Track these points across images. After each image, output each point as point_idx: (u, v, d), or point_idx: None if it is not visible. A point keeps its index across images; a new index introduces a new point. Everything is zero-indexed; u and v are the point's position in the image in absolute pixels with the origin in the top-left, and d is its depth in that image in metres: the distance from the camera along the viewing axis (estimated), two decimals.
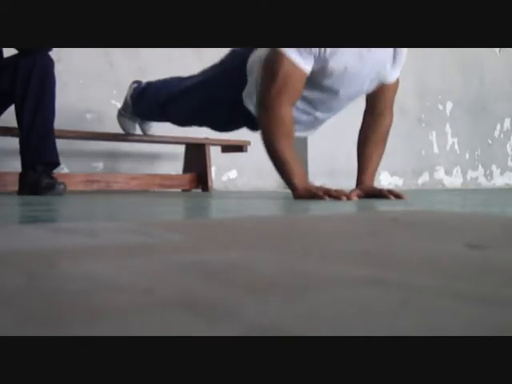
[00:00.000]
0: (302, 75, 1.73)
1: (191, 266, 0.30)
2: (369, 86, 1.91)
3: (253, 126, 2.11)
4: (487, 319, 0.20)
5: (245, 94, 1.97)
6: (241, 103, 2.00)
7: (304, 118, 1.95)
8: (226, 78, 2.01)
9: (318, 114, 1.98)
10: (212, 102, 2.08)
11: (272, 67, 1.73)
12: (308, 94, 1.84)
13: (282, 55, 1.70)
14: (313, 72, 1.75)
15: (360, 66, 1.80)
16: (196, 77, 2.18)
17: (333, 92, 1.84)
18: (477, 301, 0.22)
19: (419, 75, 4.36)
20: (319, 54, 1.72)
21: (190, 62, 3.15)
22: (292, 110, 1.76)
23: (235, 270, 0.29)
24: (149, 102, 2.34)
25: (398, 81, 2.00)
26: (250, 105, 1.97)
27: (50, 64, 2.00)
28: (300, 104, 1.86)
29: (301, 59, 1.70)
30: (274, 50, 1.73)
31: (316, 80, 1.78)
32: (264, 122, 1.75)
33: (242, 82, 1.96)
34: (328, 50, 1.71)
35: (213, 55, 3.23)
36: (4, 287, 0.25)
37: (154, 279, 0.26)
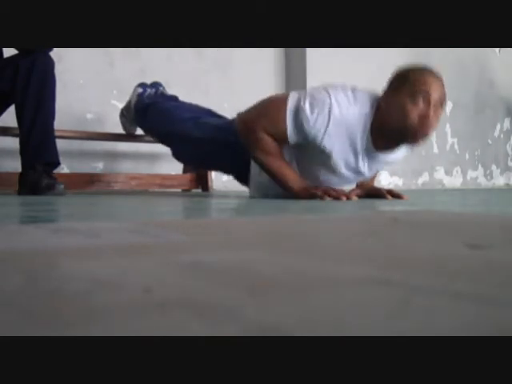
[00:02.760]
0: (284, 135, 1.71)
1: (191, 265, 0.30)
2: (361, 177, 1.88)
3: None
4: (487, 319, 0.20)
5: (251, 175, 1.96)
6: (241, 160, 1.98)
7: (335, 179, 1.87)
8: (228, 148, 1.96)
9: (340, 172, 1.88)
10: (210, 159, 2.05)
11: (267, 102, 1.74)
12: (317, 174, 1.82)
13: (284, 104, 1.69)
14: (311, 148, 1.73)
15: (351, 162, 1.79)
16: (199, 127, 2.04)
17: (327, 157, 1.78)
18: (477, 301, 0.22)
19: None
20: (314, 136, 1.70)
21: (190, 61, 3.15)
22: (270, 140, 1.73)
23: (235, 270, 0.29)
24: (150, 127, 2.28)
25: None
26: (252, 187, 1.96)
27: (50, 64, 2.00)
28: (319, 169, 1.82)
29: (292, 130, 1.69)
30: (281, 97, 1.75)
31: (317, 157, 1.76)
32: (245, 141, 1.76)
33: (247, 156, 1.93)
34: (325, 140, 1.69)
35: (213, 55, 3.24)
36: (4, 287, 0.25)
37: (153, 279, 0.26)
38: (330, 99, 1.66)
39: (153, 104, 2.27)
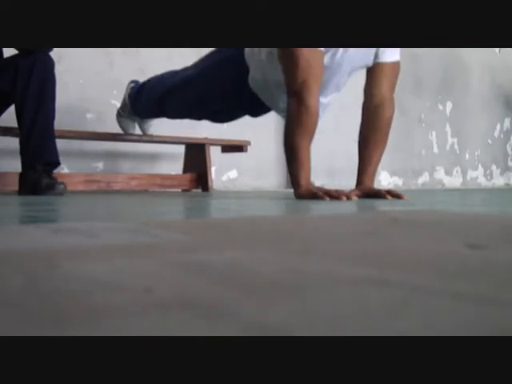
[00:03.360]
0: (320, 54, 1.74)
1: (191, 265, 0.30)
2: (365, 62, 1.90)
3: (254, 112, 2.10)
4: (487, 319, 0.20)
5: (250, 79, 1.96)
6: (242, 88, 1.98)
7: None
8: (223, 66, 1.99)
9: (322, 99, 1.95)
10: (211, 92, 2.06)
11: (291, 56, 1.74)
12: None
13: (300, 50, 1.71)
14: None
15: None
16: (191, 68, 2.15)
17: (337, 63, 1.82)
18: (477, 301, 0.22)
19: (419, 75, 4.36)
20: None
21: (190, 61, 3.15)
22: (318, 99, 1.76)
23: (235, 269, 0.29)
24: (145, 99, 2.33)
25: (397, 66, 1.96)
26: (257, 90, 1.96)
27: (50, 64, 2.00)
28: None
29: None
30: None
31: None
32: (294, 111, 1.75)
33: (241, 68, 1.95)
34: None
35: None
36: (4, 287, 0.25)
37: (154, 279, 0.26)
38: None
39: (143, 83, 2.37)
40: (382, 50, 1.89)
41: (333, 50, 1.78)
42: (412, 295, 0.23)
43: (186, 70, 2.17)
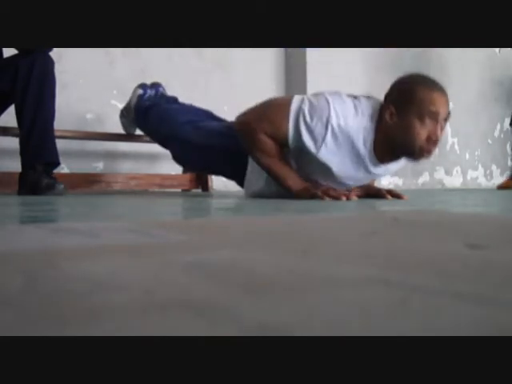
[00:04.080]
0: (284, 138, 1.70)
1: (191, 266, 0.30)
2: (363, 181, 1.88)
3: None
4: (487, 319, 0.20)
5: (246, 181, 1.95)
6: (238, 170, 1.98)
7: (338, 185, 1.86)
8: (228, 153, 1.96)
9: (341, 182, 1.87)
10: (210, 164, 2.04)
11: (269, 104, 1.74)
12: (308, 166, 1.81)
13: (287, 107, 1.69)
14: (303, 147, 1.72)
15: (349, 173, 1.79)
16: (200, 133, 2.02)
17: (327, 168, 1.77)
18: (477, 301, 0.22)
19: None
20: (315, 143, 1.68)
21: (190, 61, 3.15)
22: (270, 141, 1.73)
23: (235, 270, 0.29)
24: (150, 128, 2.27)
25: None
26: (249, 188, 1.95)
27: (50, 64, 2.00)
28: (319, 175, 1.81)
29: (293, 135, 1.68)
30: (284, 100, 1.75)
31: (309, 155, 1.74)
32: (246, 143, 1.75)
33: (244, 162, 1.93)
34: (323, 148, 1.68)
35: (213, 55, 3.24)
36: (4, 287, 0.25)
37: (154, 279, 0.26)
38: (329, 109, 1.65)
39: (152, 106, 2.27)
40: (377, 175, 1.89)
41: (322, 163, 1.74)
42: (412, 295, 0.23)
43: (183, 125, 2.06)
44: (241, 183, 2.03)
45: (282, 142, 1.72)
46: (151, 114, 2.24)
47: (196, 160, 2.07)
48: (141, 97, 2.37)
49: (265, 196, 1.86)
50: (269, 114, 1.72)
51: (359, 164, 1.75)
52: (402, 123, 1.67)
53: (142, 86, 2.44)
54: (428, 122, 1.65)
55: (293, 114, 1.68)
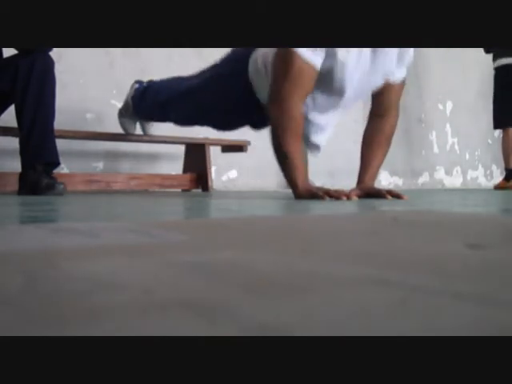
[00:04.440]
0: (313, 72, 1.73)
1: (191, 265, 0.30)
2: (374, 85, 1.91)
3: (256, 125, 2.10)
4: (487, 319, 0.20)
5: (257, 91, 1.96)
6: (244, 102, 1.98)
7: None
8: (228, 77, 1.99)
9: (317, 117, 1.96)
10: (215, 103, 2.06)
11: (284, 64, 1.73)
12: (314, 96, 1.83)
13: (293, 52, 1.70)
14: (322, 71, 1.74)
15: (367, 62, 1.80)
16: (196, 77, 2.16)
17: (340, 93, 1.82)
18: (477, 301, 0.22)
19: (419, 75, 4.36)
20: (327, 49, 1.72)
21: (190, 61, 3.15)
22: (302, 108, 1.76)
23: (235, 270, 0.29)
24: (149, 103, 2.33)
25: (404, 81, 1.99)
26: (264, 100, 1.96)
27: (49, 64, 2.00)
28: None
29: (312, 55, 1.70)
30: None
31: (324, 80, 1.78)
32: (274, 115, 1.74)
33: (246, 80, 1.95)
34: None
35: (213, 55, 3.24)
36: (4, 287, 0.25)
37: (154, 279, 0.26)
38: None
39: (148, 85, 2.36)
40: (390, 72, 1.89)
41: (338, 69, 1.76)
42: (412, 295, 0.23)
43: (191, 78, 2.16)
44: (247, 120, 2.05)
45: (313, 78, 1.73)
46: (148, 93, 2.34)
47: (202, 107, 2.09)
48: (137, 89, 2.43)
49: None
50: (290, 74, 1.71)
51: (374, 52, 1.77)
52: None
53: (139, 81, 2.48)
54: None
55: (304, 51, 1.69)
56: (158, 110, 2.28)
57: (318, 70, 1.73)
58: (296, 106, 1.72)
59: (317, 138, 1.99)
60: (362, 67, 1.79)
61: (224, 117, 2.12)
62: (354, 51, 1.75)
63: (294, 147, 1.72)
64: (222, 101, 2.03)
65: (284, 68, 1.72)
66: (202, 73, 2.13)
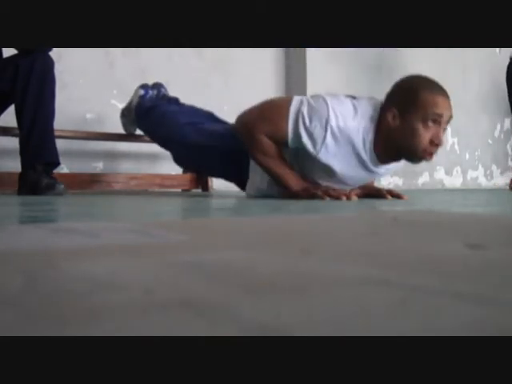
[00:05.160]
0: (284, 139, 1.70)
1: (191, 265, 0.30)
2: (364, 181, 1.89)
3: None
4: (487, 319, 0.20)
5: (248, 186, 1.95)
6: (239, 173, 1.97)
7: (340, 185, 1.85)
8: (229, 155, 1.96)
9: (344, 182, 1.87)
10: (211, 166, 2.04)
11: (269, 105, 1.74)
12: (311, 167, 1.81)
13: (287, 108, 1.69)
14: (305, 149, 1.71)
15: (350, 173, 1.79)
16: (200, 134, 2.03)
17: (328, 169, 1.77)
18: (477, 301, 0.22)
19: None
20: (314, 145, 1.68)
21: (190, 61, 3.15)
22: (269, 142, 1.73)
23: (235, 270, 0.29)
24: (151, 130, 2.28)
25: None
26: (251, 191, 1.94)
27: (49, 64, 2.00)
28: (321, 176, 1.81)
29: (293, 136, 1.68)
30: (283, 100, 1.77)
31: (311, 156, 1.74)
32: (248, 145, 1.75)
33: (246, 163, 1.93)
34: (323, 149, 1.68)
35: (213, 55, 3.24)
36: (4, 287, 0.25)
37: (154, 279, 0.26)
38: (328, 110, 1.65)
39: (153, 108, 2.26)
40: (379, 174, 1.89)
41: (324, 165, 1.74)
42: (412, 295, 0.23)
43: (184, 127, 2.06)
44: (242, 185, 2.02)
45: (281, 143, 1.72)
46: (152, 116, 2.23)
47: (197, 162, 2.08)
48: (142, 97, 2.36)
49: (268, 196, 1.86)
50: (268, 114, 1.72)
51: (360, 164, 1.75)
52: (406, 126, 1.67)
53: (144, 86, 2.42)
54: (431, 125, 1.65)
55: (292, 116, 1.68)
56: (159, 141, 2.25)
57: (285, 138, 1.70)
58: (261, 136, 1.71)
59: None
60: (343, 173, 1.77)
61: (220, 174, 2.11)
62: (337, 157, 1.71)
63: (274, 161, 1.73)
64: (226, 167, 2.00)
65: (264, 106, 1.74)
66: (205, 131, 2.02)
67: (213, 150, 1.95)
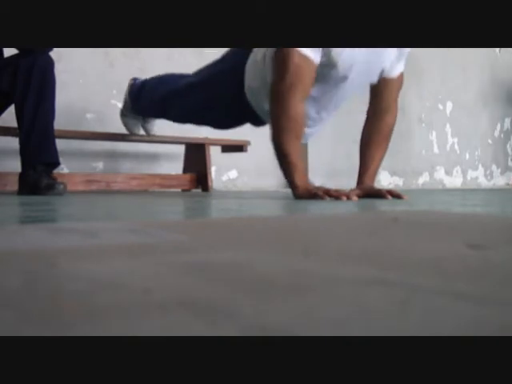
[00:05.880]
0: (313, 66, 1.73)
1: (191, 266, 0.30)
2: (374, 75, 1.91)
3: (256, 122, 2.10)
4: (487, 319, 0.20)
5: (247, 89, 1.97)
6: (242, 100, 1.99)
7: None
8: (225, 76, 2.00)
9: (322, 114, 1.97)
10: (211, 102, 2.07)
11: (283, 61, 1.73)
12: (315, 89, 1.84)
13: (291, 48, 1.70)
14: (321, 64, 1.75)
15: (366, 55, 1.80)
16: (193, 76, 2.17)
17: (341, 80, 1.82)
18: (477, 301, 0.22)
19: (419, 75, 4.36)
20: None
21: (190, 61, 3.15)
22: (304, 107, 1.76)
23: (235, 269, 0.29)
24: (146, 99, 2.34)
25: (402, 76, 1.99)
26: (253, 100, 1.97)
27: (49, 64, 2.00)
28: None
29: (309, 50, 1.71)
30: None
31: (324, 72, 1.78)
32: (275, 115, 1.75)
33: (242, 79, 1.96)
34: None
35: (213, 55, 3.24)
36: (4, 287, 0.25)
37: (154, 279, 0.26)
38: None
39: (144, 83, 2.38)
40: (388, 66, 1.90)
41: (338, 64, 1.77)
42: (412, 295, 0.23)
43: (188, 76, 2.18)
44: (244, 118, 2.05)
45: (312, 76, 1.74)
46: (146, 88, 2.35)
47: (200, 105, 2.10)
48: (132, 84, 2.45)
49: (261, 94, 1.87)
50: (290, 71, 1.72)
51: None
52: None
53: (134, 78, 2.53)
54: None
55: (308, 50, 1.70)
56: (155, 107, 2.30)
57: (317, 64, 1.73)
58: (296, 105, 1.72)
59: (307, 130, 2.00)
60: (361, 56, 1.79)
61: (222, 114, 2.12)
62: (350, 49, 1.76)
63: (293, 147, 1.72)
64: (219, 98, 2.04)
65: (283, 65, 1.73)
66: (200, 71, 2.15)
67: (216, 78, 1.99)
